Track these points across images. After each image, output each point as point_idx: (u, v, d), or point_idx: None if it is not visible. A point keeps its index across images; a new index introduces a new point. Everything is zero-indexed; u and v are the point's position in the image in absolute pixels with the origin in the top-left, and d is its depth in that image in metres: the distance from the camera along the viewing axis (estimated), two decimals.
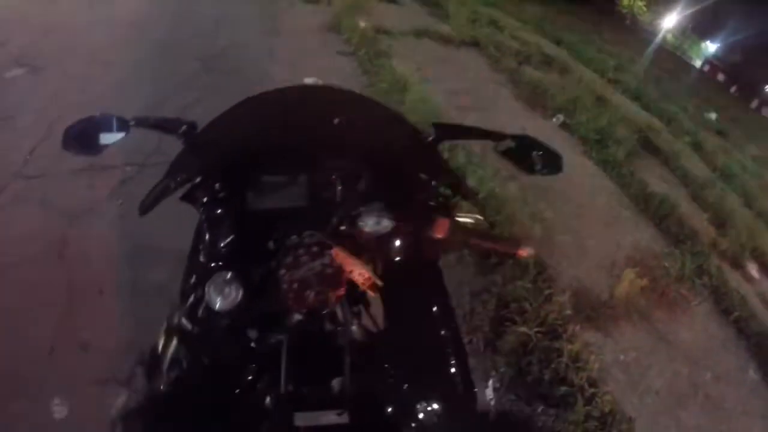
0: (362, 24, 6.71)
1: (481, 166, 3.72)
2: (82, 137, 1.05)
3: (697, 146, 7.90)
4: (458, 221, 0.95)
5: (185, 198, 0.98)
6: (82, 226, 2.75)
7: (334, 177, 0.94)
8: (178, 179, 0.92)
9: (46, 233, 2.66)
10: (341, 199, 0.93)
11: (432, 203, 0.97)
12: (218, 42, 5.48)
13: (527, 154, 1.13)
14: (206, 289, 0.81)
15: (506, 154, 1.16)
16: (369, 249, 0.89)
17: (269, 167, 0.94)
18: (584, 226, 3.79)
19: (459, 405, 0.87)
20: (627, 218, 4.28)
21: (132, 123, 1.07)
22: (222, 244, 0.89)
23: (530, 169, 1.14)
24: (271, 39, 5.94)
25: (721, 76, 31.32)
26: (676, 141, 7.31)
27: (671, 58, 29.81)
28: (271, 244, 0.88)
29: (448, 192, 1.03)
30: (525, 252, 0.96)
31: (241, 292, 0.81)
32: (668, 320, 3.37)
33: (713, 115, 12.67)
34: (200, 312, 0.82)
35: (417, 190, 0.97)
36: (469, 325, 2.51)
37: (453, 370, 0.88)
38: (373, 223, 0.89)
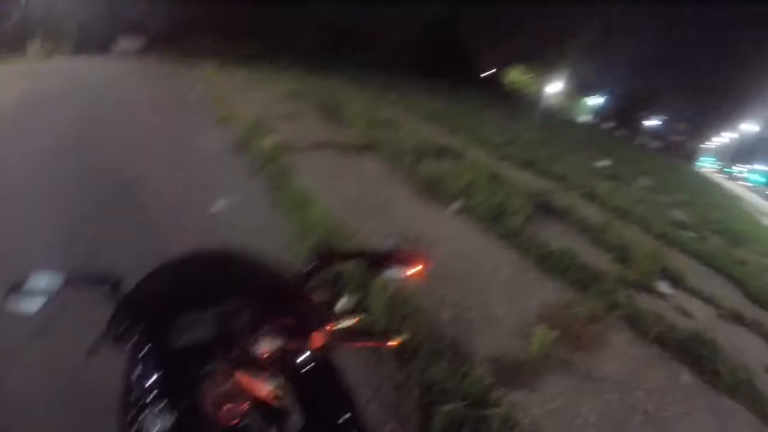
0: (266, 143, 7.21)
1: None
2: (21, 295, 1.26)
3: (591, 195, 8.63)
4: (334, 330, 1.22)
5: (117, 341, 1.18)
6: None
7: (232, 316, 1.17)
8: (113, 328, 1.16)
9: None
10: (240, 332, 1.15)
11: (311, 321, 1.23)
12: (127, 172, 5.75)
13: (395, 264, 1.42)
14: (143, 419, 1.00)
15: (376, 267, 1.45)
16: (267, 366, 1.11)
17: (183, 313, 1.17)
18: (491, 299, 4.08)
19: None
20: (532, 280, 4.63)
21: (65, 280, 1.29)
22: (149, 381, 1.07)
23: (398, 275, 1.42)
24: (180, 163, 6.34)
25: (606, 125, 34.45)
26: (569, 196, 8.00)
27: (561, 120, 32.23)
28: (188, 377, 1.07)
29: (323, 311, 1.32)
30: (395, 342, 1.26)
31: (170, 421, 1.00)
32: (589, 359, 3.64)
33: (604, 162, 13.81)
34: None
35: (295, 314, 1.24)
36: (399, 416, 2.69)
37: None
38: (265, 345, 1.12)
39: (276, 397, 1.07)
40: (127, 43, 27.79)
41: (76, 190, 5.02)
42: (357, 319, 1.30)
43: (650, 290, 5.29)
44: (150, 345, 1.13)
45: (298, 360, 1.17)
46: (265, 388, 1.07)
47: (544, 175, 9.49)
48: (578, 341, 3.81)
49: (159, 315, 1.20)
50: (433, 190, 6.65)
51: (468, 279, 4.38)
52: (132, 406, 1.07)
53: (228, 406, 1.02)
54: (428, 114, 14.20)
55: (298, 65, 19.93)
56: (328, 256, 1.45)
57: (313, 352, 1.18)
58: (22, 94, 10.48)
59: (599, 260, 5.58)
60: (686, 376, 3.94)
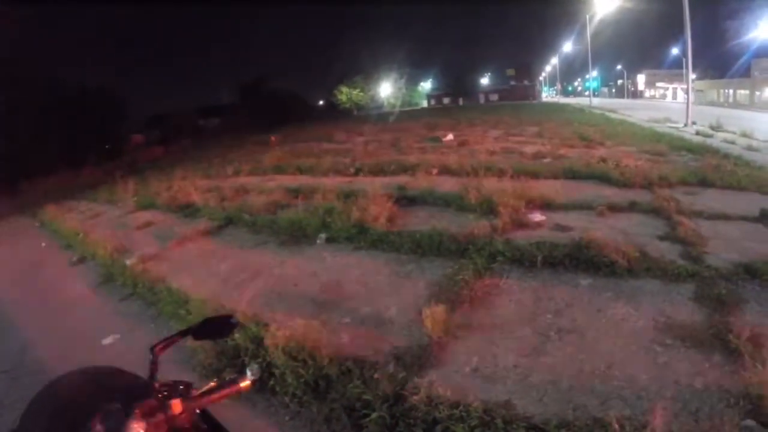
0: (129, 262, 6.88)
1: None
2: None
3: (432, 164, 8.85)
4: (191, 396, 1.39)
5: None
6: None
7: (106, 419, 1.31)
8: None
9: None
10: (114, 421, 1.29)
11: (163, 399, 1.38)
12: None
13: (215, 329, 1.71)
14: None
15: (201, 337, 1.75)
16: None
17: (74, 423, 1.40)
18: (377, 305, 4.24)
19: None
20: (410, 271, 4.87)
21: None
22: None
23: (221, 337, 1.85)
24: (50, 316, 5.95)
25: (446, 100, 36.57)
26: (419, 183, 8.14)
27: (403, 112, 33.44)
28: None
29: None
30: (247, 382, 1.42)
31: None
32: (489, 312, 3.85)
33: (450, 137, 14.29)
34: None
35: (152, 398, 1.39)
36: None
37: None
38: (136, 426, 1.27)
39: None
40: None
41: None
42: (214, 381, 1.45)
43: (525, 226, 5.54)
44: None
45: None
46: None
47: (397, 174, 9.89)
48: (472, 303, 3.98)
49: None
50: (297, 234, 6.70)
51: (357, 297, 4.51)
52: None
53: None
54: (271, 168, 14.24)
55: (132, 173, 19.19)
56: (159, 344, 1.64)
57: (176, 419, 1.36)
58: None
59: (468, 223, 5.75)
60: (584, 280, 4.11)
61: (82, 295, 6.55)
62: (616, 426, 2.39)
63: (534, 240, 4.92)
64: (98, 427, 1.31)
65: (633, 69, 78.88)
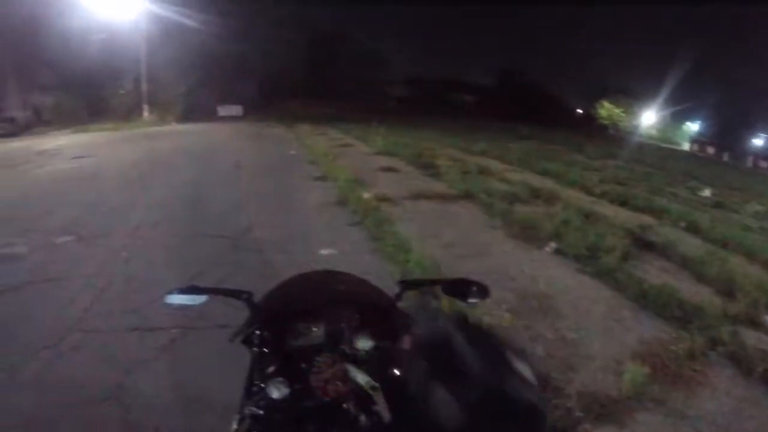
0: (365, 195, 7.79)
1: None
2: (180, 297, 1.65)
3: (692, 227, 8.36)
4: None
5: (245, 342, 1.50)
6: (137, 376, 3.25)
7: (340, 322, 1.52)
8: (249, 327, 1.53)
9: (103, 380, 3.14)
10: (345, 333, 1.49)
11: (399, 326, 1.56)
12: (241, 221, 6.63)
13: (464, 290, 1.72)
14: (268, 387, 1.34)
15: (449, 293, 1.76)
16: (365, 361, 1.44)
17: (301, 320, 1.53)
18: (585, 336, 4.15)
19: None
20: (628, 317, 4.63)
21: (211, 290, 1.68)
22: (271, 367, 1.41)
23: (465, 300, 1.71)
24: (288, 216, 7.10)
25: (710, 149, 32.10)
26: (670, 230, 7.83)
27: (657, 149, 30.77)
28: (304, 364, 1.40)
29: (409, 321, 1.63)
30: None
31: (288, 390, 1.33)
32: (687, 398, 3.55)
33: (707, 192, 13.16)
34: (263, 402, 1.33)
35: (388, 322, 1.56)
36: None
37: None
38: (365, 343, 1.47)
39: (370, 388, 1.34)
40: (226, 110, 31.22)
41: (201, 236, 6.12)
42: None
43: (757, 325, 5.02)
44: (273, 344, 1.46)
45: (391, 359, 1.49)
46: (362, 378, 1.35)
47: (641, 210, 9.32)
48: (675, 379, 3.75)
49: (281, 322, 1.52)
50: (528, 233, 6.83)
51: (562, 315, 4.50)
52: (257, 382, 1.40)
53: (333, 386, 1.33)
54: (519, 160, 14.29)
55: (384, 122, 21.02)
56: (411, 283, 1.79)
57: (403, 354, 1.51)
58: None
59: (701, 294, 5.40)
60: None
61: (314, 205, 7.74)
62: None
63: (759, 346, 4.48)
64: (332, 329, 1.48)
65: None
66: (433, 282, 1.85)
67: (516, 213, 7.64)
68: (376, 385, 1.36)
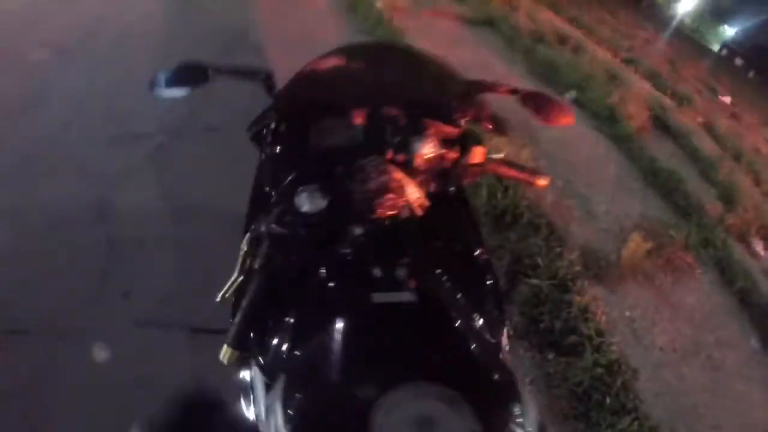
0: (378, 4, 6.82)
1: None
2: (169, 82, 1.20)
3: (709, 127, 7.96)
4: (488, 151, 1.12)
5: (255, 139, 1.19)
6: (121, 189, 2.90)
7: (390, 117, 1.10)
8: (275, 112, 1.15)
9: (85, 197, 2.80)
10: (396, 133, 1.07)
11: (468, 135, 1.13)
12: (238, 24, 5.65)
13: (542, 106, 1.23)
14: (296, 197, 0.95)
15: (526, 104, 1.24)
16: (419, 172, 1.05)
17: (339, 113, 1.11)
18: (593, 194, 3.92)
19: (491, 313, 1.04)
20: (636, 189, 4.42)
21: (212, 71, 1.20)
22: (295, 173, 1.04)
23: (545, 119, 1.23)
24: (289, 21, 6.08)
25: (738, 61, 30.54)
26: (687, 121, 7.38)
27: (688, 41, 29.30)
28: (340, 170, 1.01)
29: (481, 128, 1.22)
30: (543, 181, 1.12)
31: (325, 200, 0.95)
32: (673, 284, 3.53)
33: (728, 99, 12.65)
34: (288, 217, 0.95)
35: (455, 126, 1.12)
36: None
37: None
38: (422, 148, 1.04)
39: (421, 205, 1.00)
40: None
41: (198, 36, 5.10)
42: (503, 153, 1.18)
43: (744, 242, 5.00)
44: (296, 142, 1.09)
45: (449, 171, 1.09)
46: (415, 192, 0.99)
47: (665, 91, 8.71)
48: (667, 263, 3.67)
49: (308, 114, 1.12)
50: (549, 75, 6.23)
51: (573, 168, 4.20)
52: (276, 188, 1.05)
53: (389, 197, 0.95)
54: (549, 1, 13.07)
55: None
56: (482, 84, 1.29)
57: (465, 168, 1.09)
58: None
59: (704, 193, 5.24)
60: (755, 342, 3.80)
61: (321, 10, 6.68)
62: None
63: (742, 262, 4.51)
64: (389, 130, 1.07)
65: None
66: (506, 89, 1.30)
67: (539, 53, 6.89)
68: (428, 203, 1.01)
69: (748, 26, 34.27)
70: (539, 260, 2.76)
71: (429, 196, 1.02)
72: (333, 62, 1.30)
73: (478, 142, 1.11)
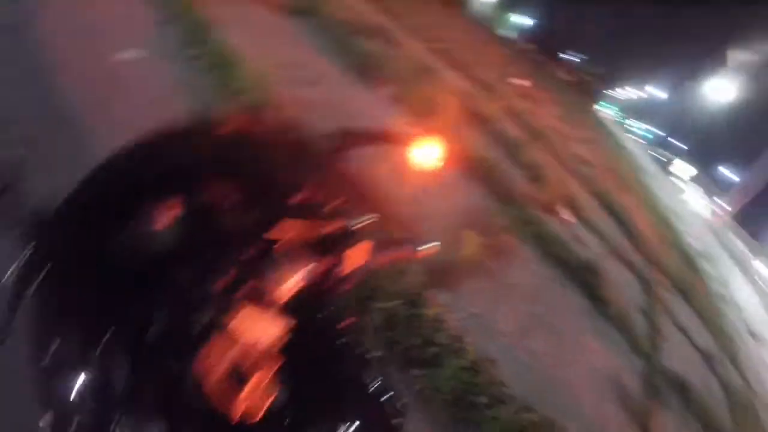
0: None
1: None
2: None
3: (511, 111, 8.68)
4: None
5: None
6: None
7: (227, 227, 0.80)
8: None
9: None
10: (236, 248, 0.77)
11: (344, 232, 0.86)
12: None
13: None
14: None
15: None
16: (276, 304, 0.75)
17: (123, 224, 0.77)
18: (423, 199, 3.88)
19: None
20: (459, 185, 4.59)
21: None
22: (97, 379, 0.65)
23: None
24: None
25: (531, 46, 34.02)
26: (492, 107, 7.95)
27: (489, 28, 31.68)
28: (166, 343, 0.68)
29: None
30: (427, 250, 0.98)
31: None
32: (504, 267, 3.85)
33: (526, 82, 13.91)
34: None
35: (325, 215, 0.88)
36: None
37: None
38: (281, 277, 0.75)
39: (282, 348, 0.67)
40: None
41: None
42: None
43: (555, 214, 5.55)
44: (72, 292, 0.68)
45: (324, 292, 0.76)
46: (271, 330, 0.67)
47: (472, 80, 9.33)
48: (495, 250, 3.91)
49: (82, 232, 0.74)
50: (366, 70, 6.19)
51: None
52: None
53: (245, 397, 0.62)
54: None
55: None
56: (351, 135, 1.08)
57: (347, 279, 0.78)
58: None
59: (514, 175, 5.71)
60: (579, 298, 4.27)
61: None
62: None
63: (556, 233, 5.04)
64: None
65: None
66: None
67: (355, 46, 6.81)
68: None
69: (540, 15, 38.16)
70: (385, 283, 2.70)
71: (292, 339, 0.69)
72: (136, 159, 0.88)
73: (357, 237, 0.82)
